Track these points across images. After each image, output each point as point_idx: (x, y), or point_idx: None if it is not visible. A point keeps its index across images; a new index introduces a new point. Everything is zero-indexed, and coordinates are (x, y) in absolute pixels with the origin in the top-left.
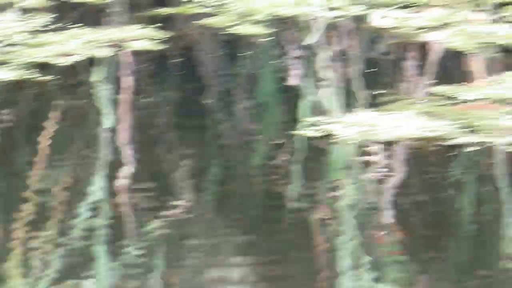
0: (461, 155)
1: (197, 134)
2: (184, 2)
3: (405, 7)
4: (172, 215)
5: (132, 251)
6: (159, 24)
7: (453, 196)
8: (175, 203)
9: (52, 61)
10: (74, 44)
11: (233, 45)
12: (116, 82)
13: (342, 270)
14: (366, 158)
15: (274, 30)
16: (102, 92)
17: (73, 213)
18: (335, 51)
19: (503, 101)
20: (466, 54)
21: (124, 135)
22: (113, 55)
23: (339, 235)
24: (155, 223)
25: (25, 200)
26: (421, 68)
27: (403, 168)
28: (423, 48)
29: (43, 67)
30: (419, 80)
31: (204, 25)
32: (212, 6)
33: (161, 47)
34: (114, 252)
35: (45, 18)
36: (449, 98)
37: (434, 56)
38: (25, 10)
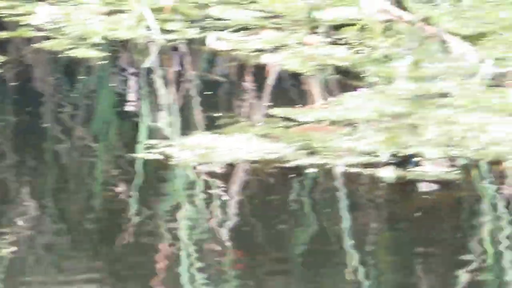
0: (301, 177)
1: (36, 157)
2: (20, 26)
3: (241, 29)
4: (12, 236)
5: None
6: None
7: (293, 217)
8: (14, 224)
9: None
10: None
11: (71, 68)
12: None
13: None
14: (206, 180)
15: (112, 52)
16: None
17: None
18: (173, 73)
19: (341, 123)
20: (303, 76)
21: None
22: None
23: (179, 257)
24: None
25: None
26: (259, 90)
27: (242, 190)
28: (260, 70)
29: None
30: (258, 102)
31: (41, 48)
32: (48, 29)
33: None
34: None
35: None
36: (288, 120)
37: (271, 78)
38: None
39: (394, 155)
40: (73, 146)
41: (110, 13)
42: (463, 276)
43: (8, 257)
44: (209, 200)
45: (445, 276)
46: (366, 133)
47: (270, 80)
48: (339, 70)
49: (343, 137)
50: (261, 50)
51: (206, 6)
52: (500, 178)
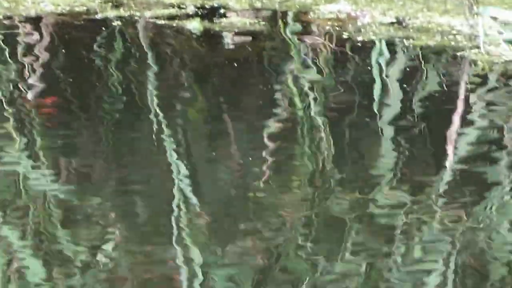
0: (109, 29)
1: None
2: None
3: None
4: None
5: None
6: None
7: (99, 70)
8: None
9: None
10: None
11: None
12: None
13: None
14: (12, 33)
15: None
16: None
17: None
18: None
19: None
20: None
21: None
22: None
23: None
24: None
25: None
26: None
27: (50, 44)
28: None
29: None
30: None
31: None
32: None
33: None
34: None
35: None
36: None
37: None
38: None
39: (200, 7)
40: None
41: None
42: (271, 123)
43: None
44: (15, 54)
45: (253, 122)
46: None
47: None
48: None
49: None
50: None
51: None
52: (305, 28)
